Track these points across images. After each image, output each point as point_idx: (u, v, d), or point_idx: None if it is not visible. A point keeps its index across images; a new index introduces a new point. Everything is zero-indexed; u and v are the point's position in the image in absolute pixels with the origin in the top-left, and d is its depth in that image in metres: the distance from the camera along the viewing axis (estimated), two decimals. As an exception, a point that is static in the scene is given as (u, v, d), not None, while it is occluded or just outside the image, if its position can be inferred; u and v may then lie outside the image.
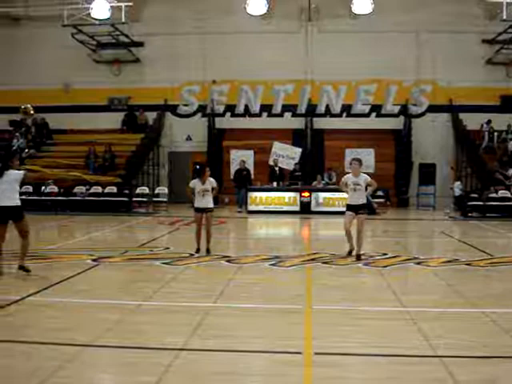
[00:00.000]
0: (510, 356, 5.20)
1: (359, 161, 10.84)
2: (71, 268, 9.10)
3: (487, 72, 24.53)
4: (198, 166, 11.99)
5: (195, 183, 11.26)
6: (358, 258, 10.44)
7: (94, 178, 21.81)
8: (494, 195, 20.17)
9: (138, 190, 22.23)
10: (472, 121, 23.74)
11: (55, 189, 21.28)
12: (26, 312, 6.66)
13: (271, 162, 23.00)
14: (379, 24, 23.96)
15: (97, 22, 23.26)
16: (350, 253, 10.85)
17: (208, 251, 11.12)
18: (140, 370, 4.85)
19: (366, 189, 10.83)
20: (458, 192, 22.05)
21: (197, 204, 11.28)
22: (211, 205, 11.33)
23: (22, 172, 8.68)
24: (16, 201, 8.53)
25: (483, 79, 24.31)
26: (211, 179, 11.33)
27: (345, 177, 10.93)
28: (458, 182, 22.55)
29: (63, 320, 6.29)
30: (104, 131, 25.03)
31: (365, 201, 10.78)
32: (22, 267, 8.59)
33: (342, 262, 10.32)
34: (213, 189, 11.31)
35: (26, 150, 23.66)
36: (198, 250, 11.10)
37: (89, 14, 22.96)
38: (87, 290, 7.89)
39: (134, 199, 21.81)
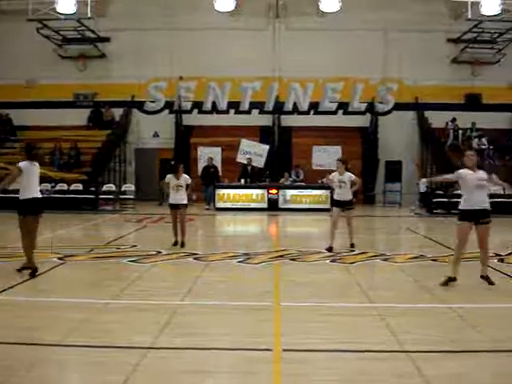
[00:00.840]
0: (477, 350, 5.28)
1: (341, 160, 11.84)
2: (36, 266, 8.94)
3: (452, 71, 24.82)
4: (172, 162, 12.49)
5: (170, 178, 11.74)
6: (352, 246, 11.55)
7: (59, 175, 21.45)
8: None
9: (105, 188, 21.96)
10: (437, 119, 24.00)
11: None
12: (-9, 311, 6.55)
13: (242, 160, 22.89)
14: (347, 22, 24.00)
15: (62, 17, 22.82)
16: (330, 249, 11.06)
17: (183, 244, 11.57)
18: (108, 369, 4.81)
19: (352, 186, 11.67)
20: (423, 188, 22.27)
21: (171, 200, 11.83)
22: (185, 201, 11.82)
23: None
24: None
25: (448, 78, 24.59)
26: (186, 176, 11.97)
27: (332, 174, 11.87)
28: (425, 179, 22.72)
29: (30, 319, 6.20)
30: (69, 127, 24.55)
31: (351, 197, 11.70)
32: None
33: (310, 258, 10.39)
34: (187, 186, 11.80)
35: (-10, 147, 23.23)
36: (175, 243, 11.61)
37: (54, 8, 22.54)
38: (53, 288, 7.80)
39: (101, 197, 21.49)
